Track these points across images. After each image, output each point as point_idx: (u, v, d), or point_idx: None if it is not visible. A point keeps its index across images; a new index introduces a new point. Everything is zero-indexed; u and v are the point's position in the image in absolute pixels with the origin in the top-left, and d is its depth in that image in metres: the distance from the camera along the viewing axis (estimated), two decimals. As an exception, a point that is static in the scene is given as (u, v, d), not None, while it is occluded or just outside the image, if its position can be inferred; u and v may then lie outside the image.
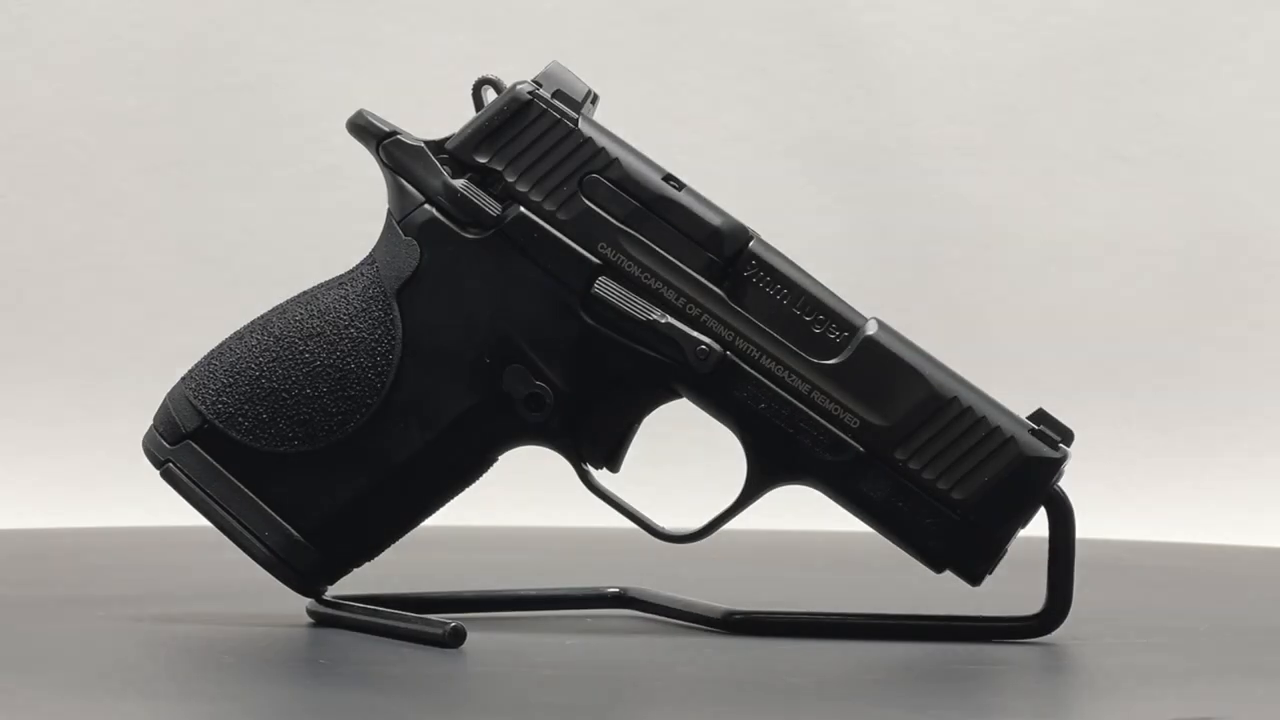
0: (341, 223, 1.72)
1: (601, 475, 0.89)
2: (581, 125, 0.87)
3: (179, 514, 1.65)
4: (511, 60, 1.73)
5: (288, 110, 1.72)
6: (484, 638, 0.86)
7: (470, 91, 0.89)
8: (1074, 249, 1.75)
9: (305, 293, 0.89)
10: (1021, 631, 0.85)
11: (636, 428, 0.89)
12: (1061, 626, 0.86)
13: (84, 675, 0.77)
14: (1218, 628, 0.94)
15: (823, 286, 0.86)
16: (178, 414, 0.88)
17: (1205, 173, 1.76)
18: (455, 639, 0.83)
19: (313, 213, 1.71)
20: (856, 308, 0.87)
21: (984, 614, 0.86)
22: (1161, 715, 0.72)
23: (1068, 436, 0.85)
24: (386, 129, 0.90)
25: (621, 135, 0.89)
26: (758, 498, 0.87)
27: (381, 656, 0.81)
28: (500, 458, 0.89)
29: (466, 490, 0.89)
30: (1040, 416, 0.85)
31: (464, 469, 0.88)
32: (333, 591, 0.90)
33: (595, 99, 0.89)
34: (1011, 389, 1.82)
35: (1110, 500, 1.69)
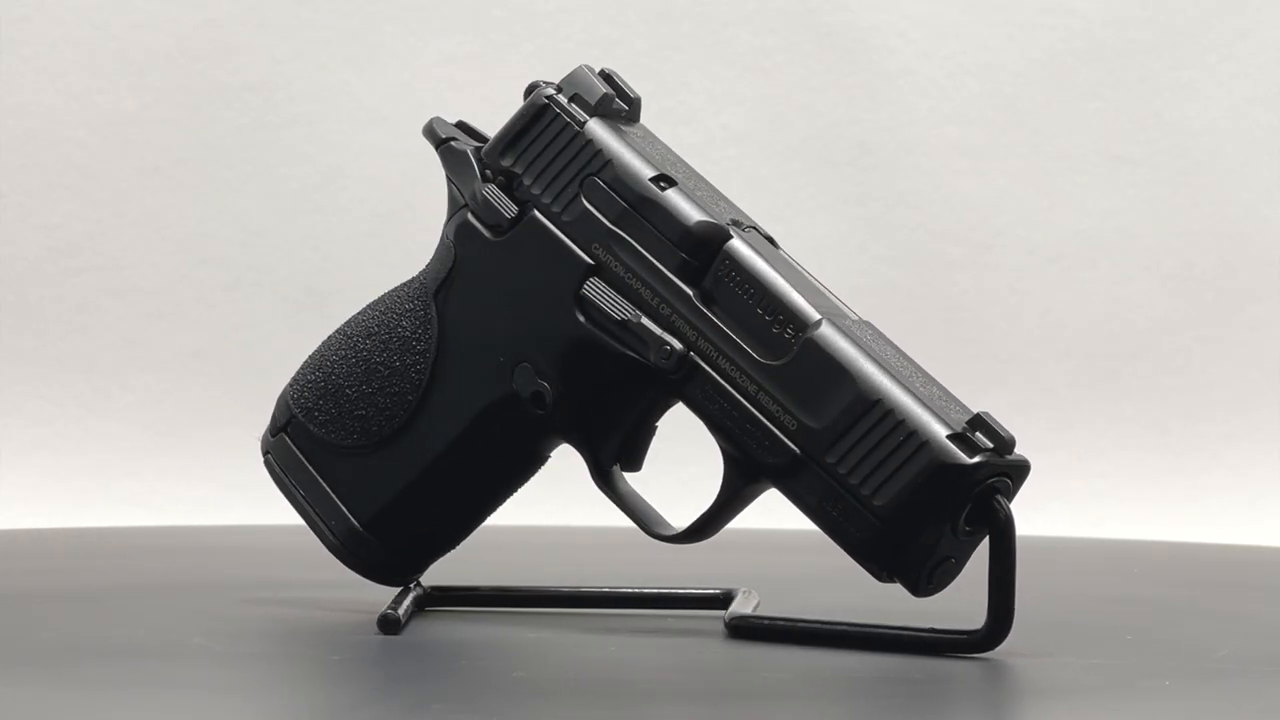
0: (342, 223, 1.72)
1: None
2: (589, 127, 0.89)
3: (180, 514, 1.65)
4: (512, 61, 1.74)
5: (288, 111, 1.72)
6: (474, 636, 0.87)
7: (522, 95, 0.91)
8: (1073, 249, 1.75)
9: (383, 294, 0.93)
10: (965, 646, 0.83)
11: (650, 427, 0.89)
12: (1042, 638, 0.85)
13: (234, 655, 0.83)
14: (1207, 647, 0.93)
15: (790, 286, 0.85)
16: (278, 408, 0.93)
17: (1204, 173, 1.76)
18: (384, 627, 0.86)
19: (314, 213, 1.72)
20: (845, 305, 0.86)
21: (932, 626, 0.84)
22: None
23: (1003, 445, 0.81)
24: (443, 135, 0.92)
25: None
26: (736, 499, 0.86)
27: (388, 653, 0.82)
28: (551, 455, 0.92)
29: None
30: (976, 422, 0.82)
31: (502, 465, 0.91)
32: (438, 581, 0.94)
33: (635, 101, 0.90)
34: (1010, 389, 1.82)
35: (1109, 500, 1.69)
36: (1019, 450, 0.82)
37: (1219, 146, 1.76)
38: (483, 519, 0.93)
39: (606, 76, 0.90)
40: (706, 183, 0.90)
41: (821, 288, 0.87)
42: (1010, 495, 0.82)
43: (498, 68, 1.72)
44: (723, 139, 1.75)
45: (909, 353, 0.86)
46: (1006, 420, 0.84)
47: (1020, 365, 1.73)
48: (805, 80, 1.76)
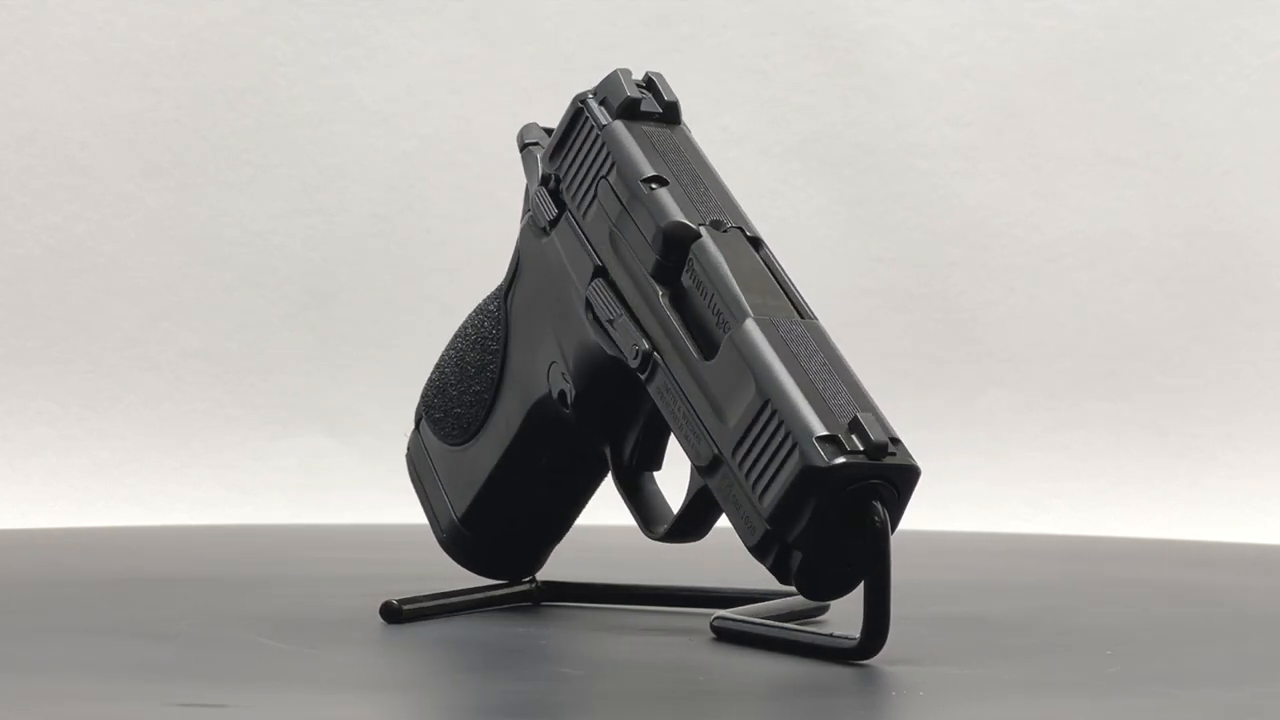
0: (343, 223, 1.73)
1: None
2: (609, 130, 0.89)
3: (183, 514, 1.65)
4: (512, 63, 1.74)
5: (290, 112, 1.73)
6: (465, 634, 0.88)
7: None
8: (1070, 250, 1.76)
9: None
10: (846, 654, 0.82)
11: (663, 426, 0.89)
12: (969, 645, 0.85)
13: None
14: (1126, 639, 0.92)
15: (736, 286, 0.84)
16: (416, 407, 0.96)
17: (1201, 174, 1.77)
18: (386, 615, 0.89)
19: (315, 214, 1.72)
20: (806, 306, 0.85)
21: (831, 632, 0.84)
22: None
23: (874, 449, 0.79)
24: (526, 141, 0.94)
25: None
26: (706, 497, 0.84)
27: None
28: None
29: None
30: (854, 424, 0.79)
31: (566, 463, 0.93)
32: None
33: (671, 105, 0.91)
34: (1009, 389, 1.82)
35: (1107, 499, 1.70)
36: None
37: (1216, 148, 1.77)
38: (568, 517, 0.94)
39: (649, 80, 0.91)
40: (717, 184, 0.89)
41: (787, 288, 0.85)
42: (892, 501, 0.80)
43: (498, 70, 1.72)
44: (723, 140, 1.75)
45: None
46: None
47: (1019, 365, 1.73)
48: (804, 82, 1.76)
